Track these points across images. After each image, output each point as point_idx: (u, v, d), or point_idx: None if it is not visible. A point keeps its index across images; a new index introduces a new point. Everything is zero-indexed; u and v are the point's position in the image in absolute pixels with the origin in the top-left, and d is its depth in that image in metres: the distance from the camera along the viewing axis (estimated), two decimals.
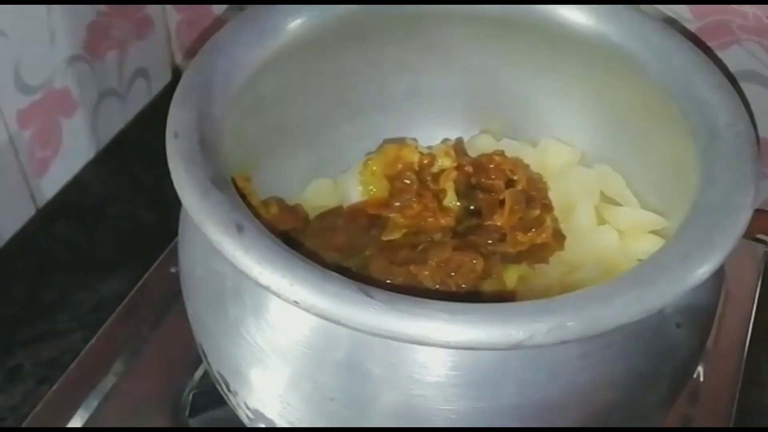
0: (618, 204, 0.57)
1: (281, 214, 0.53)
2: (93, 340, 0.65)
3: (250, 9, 0.51)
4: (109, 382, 0.62)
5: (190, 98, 0.46)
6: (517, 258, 0.54)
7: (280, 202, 0.54)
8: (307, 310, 0.39)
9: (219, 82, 0.48)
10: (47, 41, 0.68)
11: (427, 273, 0.50)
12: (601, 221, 0.56)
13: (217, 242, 0.41)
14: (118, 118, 0.79)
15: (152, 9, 0.78)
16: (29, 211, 0.72)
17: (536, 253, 0.54)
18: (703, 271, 0.41)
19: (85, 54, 0.72)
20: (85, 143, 0.76)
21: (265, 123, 0.55)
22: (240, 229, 0.41)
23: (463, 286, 0.50)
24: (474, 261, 0.50)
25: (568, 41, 0.53)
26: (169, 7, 0.79)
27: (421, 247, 0.51)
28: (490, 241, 0.54)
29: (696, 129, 0.48)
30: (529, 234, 0.54)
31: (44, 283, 0.69)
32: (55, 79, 0.70)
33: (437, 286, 0.50)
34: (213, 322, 0.46)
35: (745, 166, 0.45)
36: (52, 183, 0.74)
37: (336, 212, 0.55)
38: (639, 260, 0.54)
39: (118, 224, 0.74)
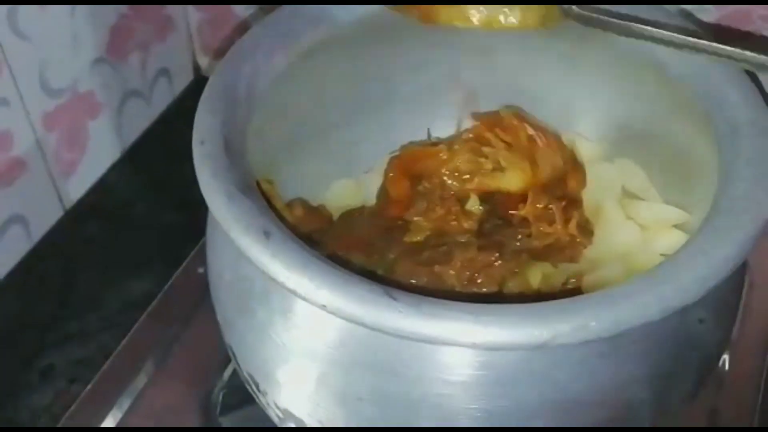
0: (640, 199, 0.57)
1: (305, 216, 0.54)
2: (124, 341, 0.66)
3: (273, 14, 0.51)
4: (140, 382, 0.63)
5: (215, 104, 0.47)
6: (545, 254, 0.55)
7: (304, 203, 0.55)
8: (333, 313, 0.40)
9: (243, 88, 0.49)
10: (71, 45, 0.68)
11: (452, 272, 0.51)
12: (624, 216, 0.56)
13: (245, 248, 0.42)
14: (142, 118, 0.80)
15: (173, 9, 0.79)
16: (57, 213, 0.73)
17: (564, 251, 0.55)
18: (725, 268, 0.42)
19: (108, 56, 0.73)
20: (110, 144, 0.77)
21: (287, 126, 0.56)
22: (267, 234, 0.42)
23: (487, 287, 0.51)
24: (498, 261, 0.51)
25: (590, 37, 0.53)
26: (189, 7, 0.79)
27: (445, 248, 0.52)
28: (518, 238, 0.55)
29: (717, 125, 0.48)
30: (554, 225, 0.55)
31: (73, 283, 0.70)
32: (79, 82, 0.71)
33: (462, 287, 0.51)
34: (242, 324, 0.47)
35: (766, 162, 0.45)
36: (79, 184, 0.75)
37: (359, 213, 0.56)
38: (662, 255, 0.54)
39: (144, 225, 0.75)
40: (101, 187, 0.76)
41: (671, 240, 0.54)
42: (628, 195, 0.58)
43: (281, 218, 0.51)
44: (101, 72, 0.73)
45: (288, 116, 0.55)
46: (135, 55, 0.76)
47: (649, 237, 0.55)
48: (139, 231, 0.74)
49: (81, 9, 0.68)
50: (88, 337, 0.67)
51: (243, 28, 0.78)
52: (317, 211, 0.56)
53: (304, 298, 0.41)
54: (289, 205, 0.55)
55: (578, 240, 0.55)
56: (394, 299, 0.40)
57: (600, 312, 0.40)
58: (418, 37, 0.55)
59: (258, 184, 0.52)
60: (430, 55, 0.58)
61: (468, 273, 0.51)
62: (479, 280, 0.51)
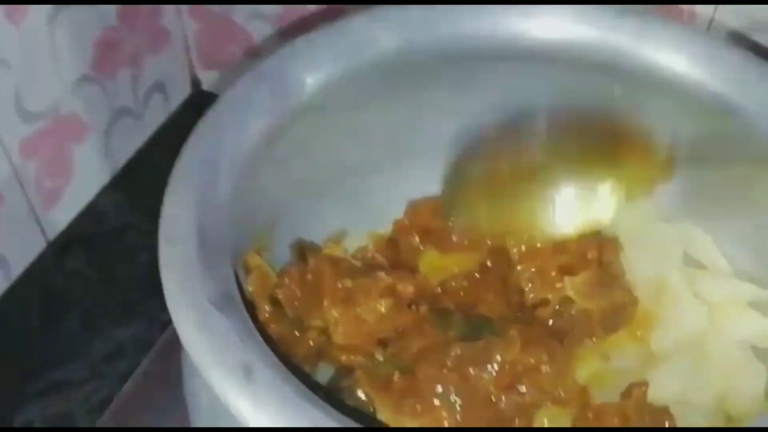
0: (705, 268, 0.44)
1: (302, 289, 0.42)
2: (112, 404, 0.56)
3: (262, 62, 0.38)
4: None
5: (188, 187, 0.34)
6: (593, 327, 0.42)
7: (300, 270, 0.43)
8: None
9: (226, 160, 0.36)
10: (50, 63, 0.57)
11: (488, 378, 0.38)
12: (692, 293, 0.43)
13: (221, 391, 0.29)
14: (134, 138, 0.67)
15: (168, 19, 0.66)
16: (39, 245, 0.62)
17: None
18: None
19: (93, 73, 0.61)
20: (98, 168, 0.65)
21: (287, 182, 0.43)
22: (248, 373, 0.29)
23: (531, 397, 0.38)
24: (547, 366, 0.38)
25: (651, 84, 0.40)
26: (186, 15, 0.66)
27: (481, 343, 0.39)
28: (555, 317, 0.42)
29: None
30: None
31: (56, 326, 0.59)
32: (61, 104, 0.59)
33: (498, 395, 0.38)
34: None
35: None
36: (63, 213, 0.63)
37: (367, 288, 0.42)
38: (737, 343, 0.41)
39: (136, 256, 0.63)
40: (89, 215, 0.65)
41: (748, 324, 0.42)
42: (690, 264, 0.44)
43: (274, 302, 0.39)
44: (86, 91, 0.61)
45: (286, 173, 0.42)
46: (125, 70, 0.64)
47: (720, 320, 0.42)
48: (130, 264, 0.62)
49: (61, 24, 0.57)
50: (70, 388, 0.57)
51: (241, 37, 0.65)
52: (319, 274, 0.43)
53: None
54: (285, 275, 0.42)
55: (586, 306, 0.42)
56: None
57: None
58: (443, 81, 0.41)
59: (246, 262, 0.39)
60: (455, 100, 0.44)
61: (508, 379, 0.38)
62: (522, 389, 0.38)
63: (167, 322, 0.58)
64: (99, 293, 0.61)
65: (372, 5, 0.41)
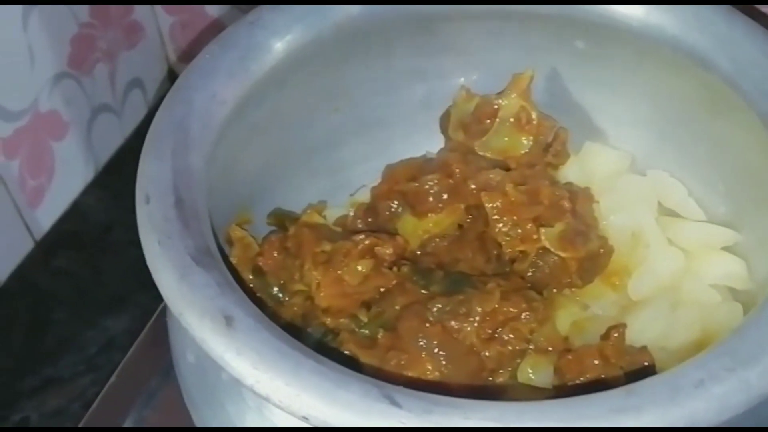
0: (679, 217, 0.45)
1: (283, 258, 0.43)
2: (104, 389, 0.56)
3: (228, 30, 0.39)
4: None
5: (162, 149, 0.35)
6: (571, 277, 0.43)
7: (281, 240, 0.43)
8: (318, 425, 0.29)
9: (198, 123, 0.37)
10: (27, 62, 0.57)
11: (470, 329, 0.39)
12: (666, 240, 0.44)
13: (202, 340, 0.30)
14: (115, 134, 0.68)
15: (141, 14, 0.67)
16: (27, 245, 0.63)
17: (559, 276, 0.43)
18: None
19: (71, 70, 0.61)
20: (81, 166, 0.66)
21: (264, 152, 0.44)
22: (229, 321, 0.30)
23: (515, 344, 0.39)
24: (527, 313, 0.39)
25: (611, 34, 0.41)
26: (159, 9, 0.67)
27: (461, 297, 0.40)
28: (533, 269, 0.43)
29: None
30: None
31: (47, 323, 0.60)
32: (40, 102, 0.60)
33: (482, 345, 0.39)
34: (210, 416, 0.36)
35: None
36: (48, 212, 0.64)
37: (347, 249, 0.43)
38: (712, 287, 0.42)
39: (123, 252, 0.63)
40: (74, 213, 0.66)
41: (724, 267, 0.43)
42: (665, 213, 0.45)
43: (258, 271, 0.40)
44: (64, 88, 0.62)
45: (263, 143, 0.43)
46: (101, 66, 0.64)
47: (695, 265, 0.43)
48: (117, 260, 0.63)
49: (34, 21, 0.57)
50: (65, 383, 0.57)
51: (217, 28, 0.66)
52: (299, 240, 0.44)
53: (279, 407, 0.29)
54: (266, 243, 0.43)
55: (564, 257, 0.42)
56: (397, 405, 0.28)
57: (665, 412, 0.28)
58: (406, 44, 0.42)
59: (229, 235, 0.40)
60: (421, 62, 0.45)
61: (490, 330, 0.39)
62: (506, 337, 0.39)
63: (159, 314, 0.59)
64: (88, 289, 0.61)
65: None
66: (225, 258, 0.35)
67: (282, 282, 0.42)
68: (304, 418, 0.29)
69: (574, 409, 0.28)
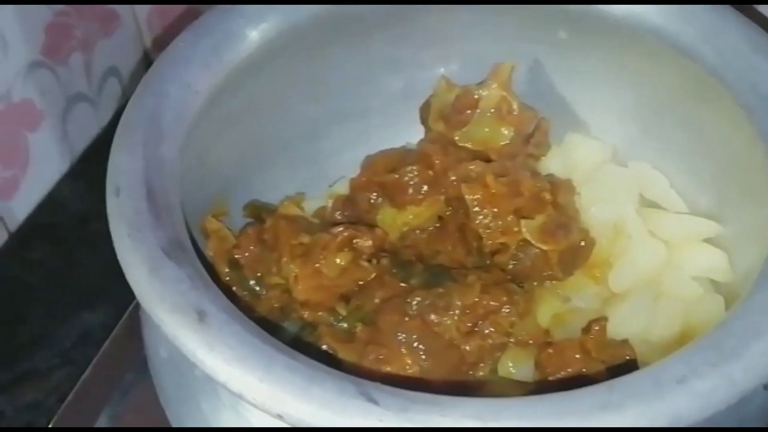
0: (661, 208, 0.44)
1: (260, 251, 0.42)
2: (79, 383, 0.55)
3: (202, 18, 0.38)
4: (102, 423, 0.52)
5: (133, 140, 0.34)
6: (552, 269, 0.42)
7: (258, 231, 0.43)
8: (293, 424, 0.28)
9: (170, 113, 0.36)
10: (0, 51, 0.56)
11: (450, 323, 0.38)
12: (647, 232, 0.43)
13: (174, 335, 0.29)
14: (91, 124, 0.67)
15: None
16: (1, 237, 0.62)
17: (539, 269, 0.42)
18: None
19: (45, 59, 0.60)
20: (56, 156, 0.64)
21: (240, 143, 0.43)
22: (201, 316, 0.29)
23: (495, 338, 0.38)
24: (507, 306, 0.38)
25: (594, 24, 0.41)
26: None
27: (440, 290, 0.39)
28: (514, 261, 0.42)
29: (762, 125, 0.36)
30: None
31: (22, 316, 0.58)
32: (13, 91, 0.58)
33: (463, 339, 0.38)
34: (185, 414, 0.35)
35: None
36: (23, 203, 0.62)
37: (326, 242, 0.42)
38: (694, 279, 0.42)
39: (100, 244, 0.62)
40: (49, 204, 0.64)
41: (705, 259, 0.42)
42: (647, 204, 0.45)
43: (234, 265, 0.39)
44: (38, 77, 0.60)
45: (238, 134, 0.42)
46: (77, 55, 0.63)
47: (677, 256, 0.42)
48: (93, 252, 0.61)
49: (7, 9, 0.56)
50: (40, 377, 0.56)
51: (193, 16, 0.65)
52: (276, 232, 0.43)
53: (253, 405, 0.28)
54: (242, 235, 0.42)
55: (545, 249, 0.42)
56: (374, 402, 0.27)
57: (647, 407, 0.27)
58: (385, 33, 0.41)
59: (204, 226, 0.40)
60: (401, 52, 0.44)
61: (470, 324, 0.38)
62: (486, 330, 0.38)
63: (134, 308, 0.58)
64: (63, 282, 0.60)
65: None
66: (199, 251, 0.34)
67: (259, 275, 0.42)
68: (279, 416, 0.28)
69: (554, 405, 0.28)
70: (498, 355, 0.40)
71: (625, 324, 0.40)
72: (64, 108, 0.63)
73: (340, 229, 0.41)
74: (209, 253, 0.42)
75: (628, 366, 0.38)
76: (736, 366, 0.28)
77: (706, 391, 0.28)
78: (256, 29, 0.39)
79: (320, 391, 0.28)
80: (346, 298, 0.41)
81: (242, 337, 0.29)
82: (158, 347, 0.36)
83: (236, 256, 0.42)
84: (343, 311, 0.41)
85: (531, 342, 0.40)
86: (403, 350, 0.38)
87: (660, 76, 0.43)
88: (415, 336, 0.38)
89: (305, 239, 0.41)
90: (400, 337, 0.38)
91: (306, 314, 0.41)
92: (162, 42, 0.69)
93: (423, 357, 0.38)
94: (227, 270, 0.42)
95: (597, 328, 0.39)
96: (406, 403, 0.28)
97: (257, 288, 0.42)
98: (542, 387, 0.38)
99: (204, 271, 0.32)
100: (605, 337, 0.39)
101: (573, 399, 0.28)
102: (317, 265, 0.40)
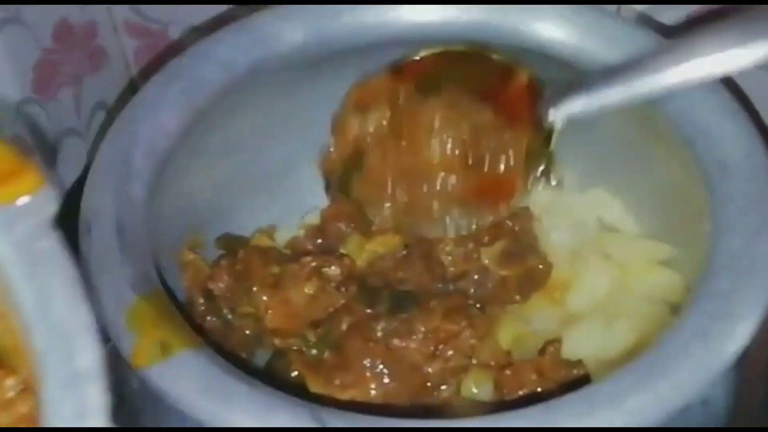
0: (618, 232, 0.46)
1: (233, 282, 0.44)
2: None
3: (172, 62, 0.40)
4: None
5: (105, 180, 0.36)
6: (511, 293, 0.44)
7: (230, 264, 0.44)
8: None
9: (141, 153, 0.38)
10: None
11: (413, 347, 0.40)
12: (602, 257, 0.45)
13: (139, 369, 0.31)
14: (80, 157, 0.68)
15: (104, 38, 0.67)
16: None
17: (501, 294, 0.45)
18: (730, 350, 0.31)
19: (35, 96, 0.62)
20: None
21: (213, 178, 0.45)
22: (165, 348, 0.31)
23: (456, 361, 0.40)
24: (468, 330, 0.40)
25: (544, 59, 0.42)
26: (122, 34, 0.68)
27: (405, 316, 0.41)
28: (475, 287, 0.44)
29: (703, 161, 0.38)
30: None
31: None
32: (5, 128, 0.60)
33: (426, 361, 0.40)
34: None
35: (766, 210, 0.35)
36: None
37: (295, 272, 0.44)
38: (646, 299, 0.44)
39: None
40: None
41: (659, 281, 0.44)
42: (605, 228, 0.47)
43: (207, 295, 0.41)
44: (29, 114, 0.61)
45: (212, 168, 0.44)
46: (66, 90, 0.65)
47: (631, 278, 0.44)
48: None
49: None
50: None
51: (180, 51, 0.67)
52: (247, 263, 0.45)
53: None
54: (215, 267, 0.44)
55: (503, 274, 0.44)
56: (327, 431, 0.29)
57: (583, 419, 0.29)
58: (352, 70, 0.43)
59: (180, 257, 0.42)
60: None
61: (432, 347, 0.40)
62: (449, 353, 0.40)
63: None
64: None
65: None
66: (165, 284, 0.36)
67: (232, 305, 0.43)
68: None
69: (492, 425, 0.29)
70: (462, 376, 0.42)
71: (581, 344, 0.42)
72: (54, 143, 0.65)
73: (308, 258, 0.43)
74: (184, 284, 0.44)
75: (582, 385, 0.40)
76: (663, 383, 0.30)
77: (635, 409, 0.30)
78: (225, 71, 0.41)
79: (275, 418, 0.30)
80: (316, 325, 0.43)
81: (205, 369, 0.31)
82: (129, 378, 0.37)
83: (210, 287, 0.43)
84: (312, 338, 0.42)
85: (492, 363, 0.42)
86: (368, 374, 0.40)
87: (609, 119, 0.45)
88: (379, 360, 0.40)
89: (275, 270, 0.43)
90: (365, 362, 0.40)
91: (277, 341, 0.43)
92: (150, 75, 0.71)
93: (387, 381, 0.40)
94: (202, 300, 0.44)
95: (552, 349, 0.41)
96: (355, 425, 0.29)
97: (230, 317, 0.44)
98: (499, 407, 0.39)
99: (171, 304, 0.34)
100: (559, 358, 0.40)
101: (510, 419, 0.30)
102: (287, 294, 0.42)
